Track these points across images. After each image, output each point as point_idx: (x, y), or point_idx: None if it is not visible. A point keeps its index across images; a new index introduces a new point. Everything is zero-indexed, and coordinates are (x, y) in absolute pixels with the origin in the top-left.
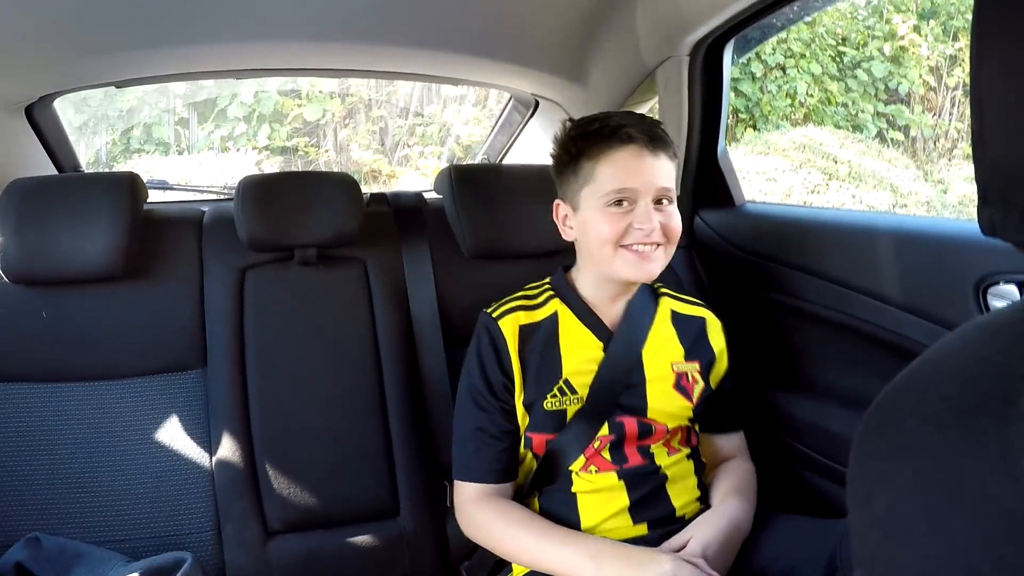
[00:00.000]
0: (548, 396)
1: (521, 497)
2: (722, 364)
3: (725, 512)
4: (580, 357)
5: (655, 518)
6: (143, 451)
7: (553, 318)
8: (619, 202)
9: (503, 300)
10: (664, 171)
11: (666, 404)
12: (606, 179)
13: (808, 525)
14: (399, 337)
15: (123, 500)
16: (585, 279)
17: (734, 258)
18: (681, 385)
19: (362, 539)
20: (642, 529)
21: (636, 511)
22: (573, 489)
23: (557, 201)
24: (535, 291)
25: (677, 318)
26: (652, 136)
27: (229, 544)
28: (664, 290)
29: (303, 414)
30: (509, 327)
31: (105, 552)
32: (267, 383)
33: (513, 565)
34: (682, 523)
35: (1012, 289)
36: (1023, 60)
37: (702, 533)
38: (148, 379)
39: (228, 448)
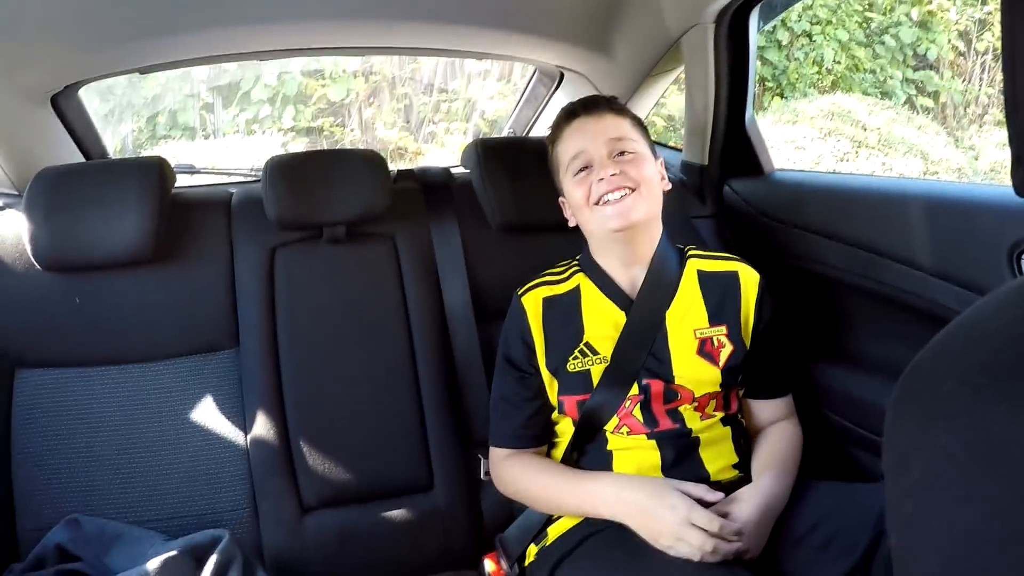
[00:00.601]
0: (571, 358)
1: (564, 460)
2: (756, 320)
3: (761, 489)
4: (602, 323)
5: (688, 479)
6: (179, 432)
7: (576, 290)
8: (582, 169)
9: (531, 279)
10: (609, 126)
11: (690, 370)
12: (565, 153)
13: (848, 491)
14: (430, 312)
15: (160, 480)
16: (599, 252)
17: (764, 226)
18: (705, 351)
19: (396, 514)
20: None
21: (668, 471)
22: (608, 447)
23: (560, 199)
24: (562, 267)
25: (705, 277)
26: (588, 103)
27: (265, 521)
28: (693, 251)
29: (336, 391)
30: (532, 302)
31: (144, 532)
32: (300, 361)
33: (548, 531)
34: (718, 487)
35: None
36: None
37: (738, 512)
38: (182, 360)
39: (262, 426)
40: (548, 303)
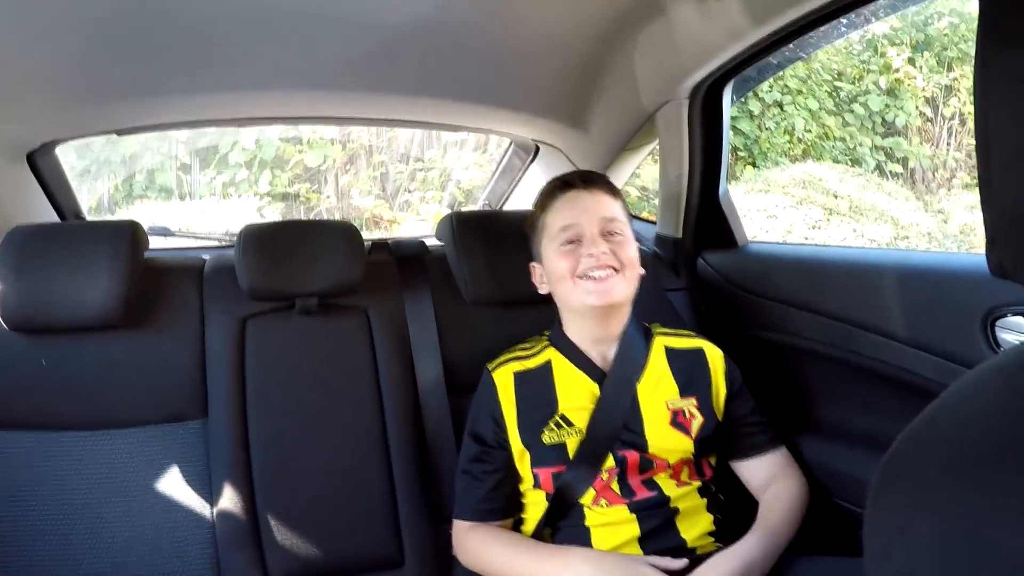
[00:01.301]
0: (545, 430)
1: (536, 536)
2: (725, 392)
3: (736, 554)
4: (575, 395)
5: (665, 549)
6: (143, 502)
7: (547, 364)
8: (570, 241)
9: (501, 353)
10: (603, 205)
11: (664, 441)
12: (554, 223)
13: (830, 567)
14: (402, 386)
15: (125, 551)
16: (570, 327)
17: (738, 299)
18: (678, 422)
19: None
20: None
21: (646, 543)
22: (586, 523)
23: (532, 264)
24: (531, 343)
25: (672, 354)
26: (585, 178)
27: None
28: (658, 329)
29: (305, 464)
30: (503, 376)
31: None
32: (268, 433)
33: None
34: (695, 556)
35: (1020, 320)
36: None
37: (711, 574)
38: (148, 429)
39: (229, 499)
40: (520, 377)
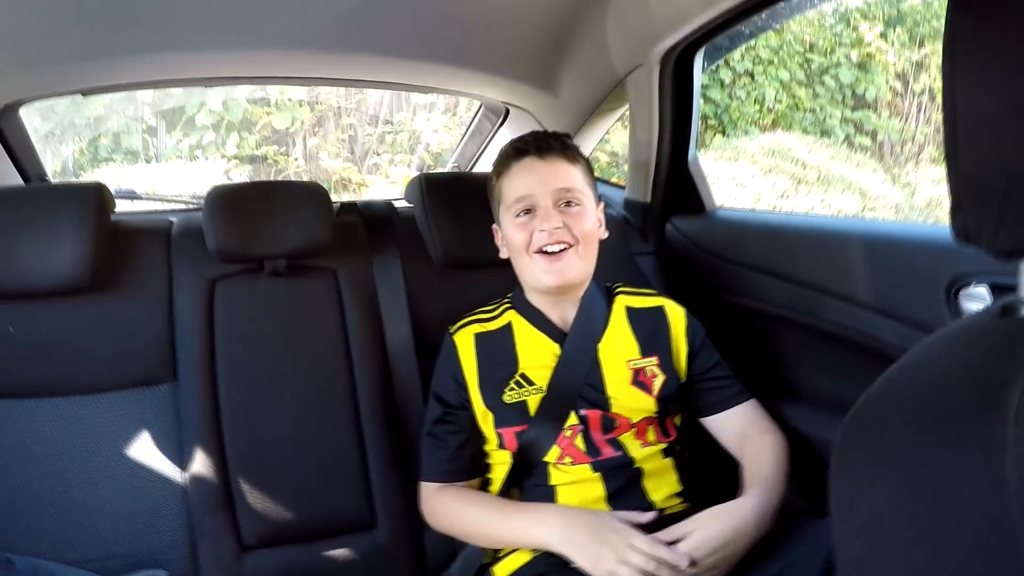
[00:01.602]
0: (506, 390)
1: (502, 496)
2: (686, 349)
3: (732, 512)
4: (536, 355)
5: (631, 508)
6: (114, 467)
7: (507, 326)
8: (527, 211)
9: (462, 316)
10: (559, 173)
11: (626, 399)
12: (509, 191)
13: (798, 524)
14: (371, 347)
15: (96, 518)
16: (528, 291)
17: (706, 264)
18: (639, 381)
19: (338, 552)
20: None
21: (612, 502)
22: (551, 482)
23: (494, 226)
24: (493, 305)
25: (633, 313)
26: (540, 145)
27: (204, 561)
28: (621, 288)
29: (276, 427)
30: (464, 338)
31: (79, 572)
32: (239, 396)
33: (493, 571)
34: (661, 514)
35: (983, 291)
36: (995, 78)
37: (699, 535)
38: (117, 394)
39: (201, 463)
40: (480, 339)
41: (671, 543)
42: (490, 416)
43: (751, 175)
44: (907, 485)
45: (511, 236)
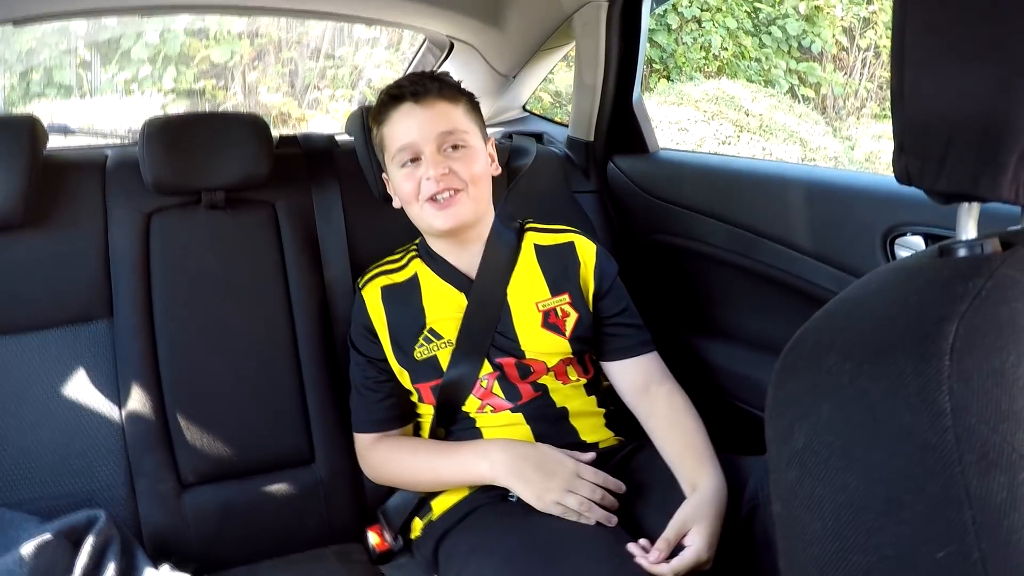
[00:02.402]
0: (416, 347)
1: None
2: (595, 285)
3: (712, 499)
4: (443, 307)
5: (566, 444)
6: (49, 407)
7: (414, 277)
8: (412, 160)
9: (370, 267)
10: (440, 117)
11: (538, 344)
12: (391, 141)
13: (727, 461)
14: (310, 281)
15: (31, 458)
16: (433, 239)
17: (647, 204)
18: (550, 323)
19: (277, 487)
20: None
21: (543, 439)
22: (477, 425)
23: (383, 176)
24: (400, 253)
25: (542, 251)
26: (415, 90)
27: (143, 499)
28: (530, 224)
29: (214, 363)
30: (371, 293)
31: (15, 515)
32: (176, 332)
33: (432, 505)
34: (596, 449)
35: (918, 240)
36: (943, 22)
37: (698, 536)
38: (52, 332)
39: (138, 400)
40: (387, 292)
41: (671, 556)
42: (405, 373)
43: (694, 120)
44: (843, 414)
45: (399, 186)
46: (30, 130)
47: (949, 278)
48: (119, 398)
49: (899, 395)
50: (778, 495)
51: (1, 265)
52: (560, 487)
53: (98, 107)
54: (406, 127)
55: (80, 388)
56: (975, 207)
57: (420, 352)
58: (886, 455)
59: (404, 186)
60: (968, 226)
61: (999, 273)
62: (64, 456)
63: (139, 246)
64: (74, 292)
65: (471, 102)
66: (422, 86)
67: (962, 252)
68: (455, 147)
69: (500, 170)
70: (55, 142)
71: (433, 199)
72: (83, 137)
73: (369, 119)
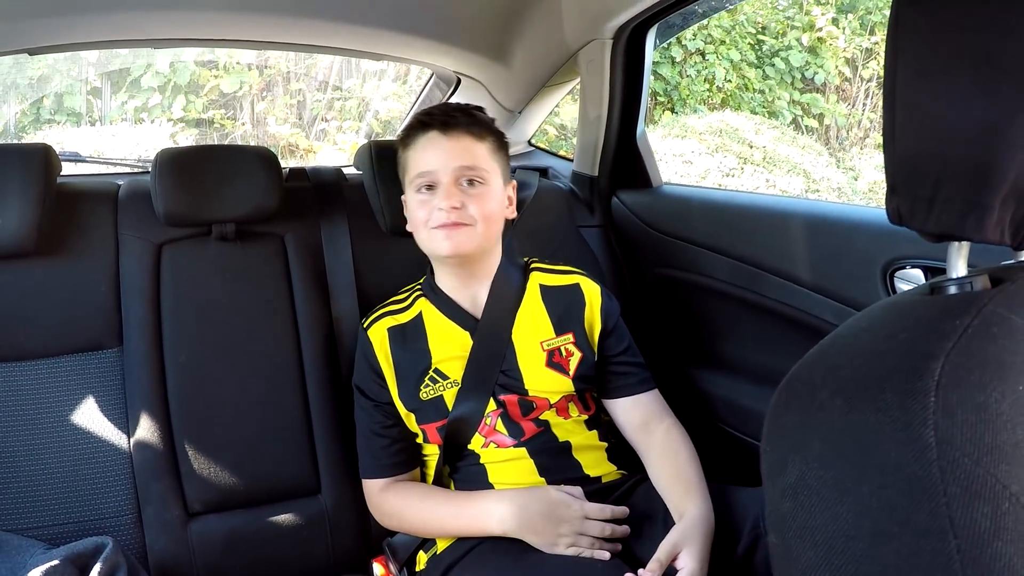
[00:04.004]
0: (422, 387)
1: (437, 482)
2: (599, 327)
3: (700, 524)
4: (448, 347)
5: (569, 479)
6: (59, 434)
7: (419, 317)
8: (428, 187)
9: (375, 308)
10: (464, 150)
11: (542, 383)
12: (412, 165)
13: (729, 493)
14: (318, 314)
15: (40, 485)
16: (439, 272)
17: (651, 238)
18: (554, 362)
19: (284, 517)
20: None
21: (547, 474)
22: (481, 461)
23: (403, 197)
24: (405, 293)
25: (547, 292)
26: (446, 121)
27: (150, 527)
28: (535, 264)
29: (222, 393)
30: (377, 333)
31: (23, 540)
32: (185, 361)
33: (437, 539)
34: (599, 483)
35: (917, 273)
36: (933, 67)
37: (690, 558)
38: (62, 359)
39: (146, 429)
40: (393, 333)
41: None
42: (411, 416)
43: (698, 152)
44: (834, 448)
45: (412, 211)
46: (44, 159)
47: (938, 316)
48: (128, 426)
49: (886, 430)
50: (773, 526)
51: (14, 292)
52: (570, 531)
53: (108, 134)
54: (428, 155)
55: (89, 415)
56: (965, 246)
57: (426, 392)
58: (874, 487)
59: (417, 212)
60: (958, 264)
61: (987, 310)
62: (72, 483)
63: (150, 276)
64: (85, 320)
65: (498, 141)
66: (452, 117)
67: (952, 289)
68: (472, 182)
69: (516, 214)
70: (66, 169)
71: (441, 226)
72: (94, 165)
73: (397, 143)
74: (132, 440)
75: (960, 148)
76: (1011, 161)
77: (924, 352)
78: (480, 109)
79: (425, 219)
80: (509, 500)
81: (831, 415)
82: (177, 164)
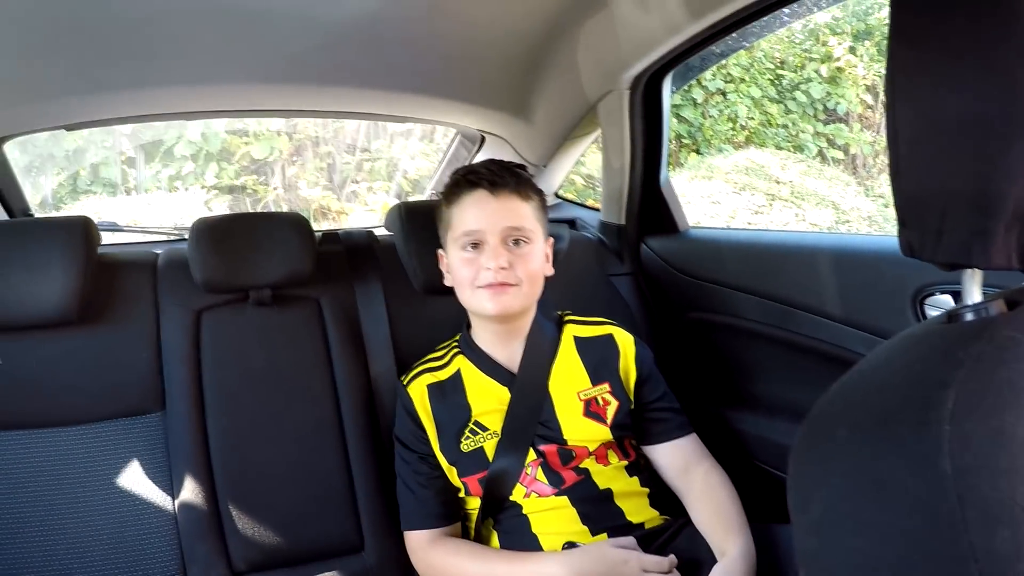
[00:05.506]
0: (462, 439)
1: (478, 535)
2: (635, 376)
3: (742, 562)
4: (487, 400)
5: (612, 527)
6: (105, 496)
7: (457, 374)
8: (474, 245)
9: (414, 365)
10: (510, 211)
11: (580, 432)
12: (458, 223)
13: (771, 532)
14: (355, 373)
15: (87, 546)
16: (476, 328)
17: (680, 282)
18: (592, 411)
19: None
20: (602, 538)
21: (590, 523)
22: (524, 512)
23: (439, 251)
24: (442, 351)
25: (581, 343)
26: (494, 180)
27: None
28: (568, 317)
29: (264, 453)
30: (416, 389)
31: None
32: (227, 424)
33: None
34: (643, 532)
35: (947, 299)
36: (930, 103)
37: None
38: (107, 424)
39: (190, 490)
40: (433, 390)
41: None
42: (453, 469)
43: (726, 192)
44: (854, 482)
45: (457, 269)
46: (85, 231)
47: (951, 343)
48: (172, 487)
49: (904, 462)
50: (802, 562)
51: (59, 359)
52: None
53: (143, 203)
54: (476, 214)
55: (134, 478)
56: (977, 273)
57: (466, 444)
58: (894, 518)
59: (462, 270)
60: (973, 291)
61: (1000, 335)
62: (119, 544)
63: (190, 342)
64: (128, 386)
65: (541, 201)
66: (500, 177)
67: (969, 316)
68: (518, 242)
69: (553, 271)
70: (105, 238)
71: (487, 286)
72: (130, 233)
73: (440, 198)
74: (177, 502)
75: (960, 179)
76: (1010, 188)
77: (937, 381)
78: (523, 168)
79: (471, 278)
80: (567, 563)
81: (850, 451)
82: (213, 232)
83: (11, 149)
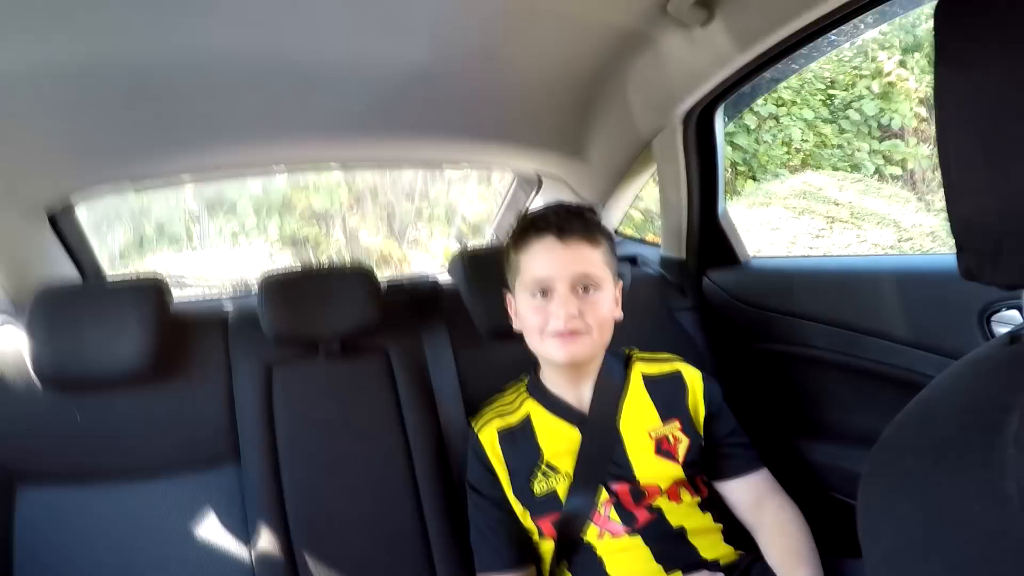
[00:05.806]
0: (535, 482)
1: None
2: (704, 412)
3: None
4: (558, 443)
5: (685, 566)
6: (182, 548)
7: (527, 419)
8: (543, 292)
9: (483, 410)
10: (579, 258)
11: (652, 470)
12: (526, 269)
13: (843, 565)
14: (425, 421)
15: None
16: (545, 371)
17: (744, 314)
18: (663, 449)
19: None
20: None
21: (664, 561)
22: (598, 553)
23: (507, 295)
24: (512, 396)
25: (650, 381)
26: (561, 226)
27: None
28: (637, 355)
29: (338, 504)
30: (488, 436)
31: None
32: (301, 475)
33: None
34: (717, 567)
35: (1014, 314)
36: (982, 126)
37: None
38: (183, 476)
39: (267, 541)
40: (504, 435)
41: None
42: (526, 512)
43: (784, 218)
44: (922, 511)
45: (526, 316)
46: (157, 291)
47: (1013, 366)
48: (248, 538)
49: (969, 488)
50: None
51: (134, 415)
52: None
53: (208, 258)
54: (545, 261)
55: (212, 529)
56: None
57: (539, 487)
58: (960, 544)
59: (531, 317)
60: None
61: None
62: None
63: (262, 396)
64: (203, 440)
65: (610, 244)
66: (568, 223)
67: None
68: (587, 289)
69: (622, 314)
70: (174, 294)
71: (556, 334)
72: (198, 289)
73: (508, 242)
74: (253, 552)
75: (1014, 201)
76: None
77: (1000, 405)
78: (592, 211)
79: (540, 325)
80: None
81: (916, 479)
82: (282, 287)
83: (80, 211)
